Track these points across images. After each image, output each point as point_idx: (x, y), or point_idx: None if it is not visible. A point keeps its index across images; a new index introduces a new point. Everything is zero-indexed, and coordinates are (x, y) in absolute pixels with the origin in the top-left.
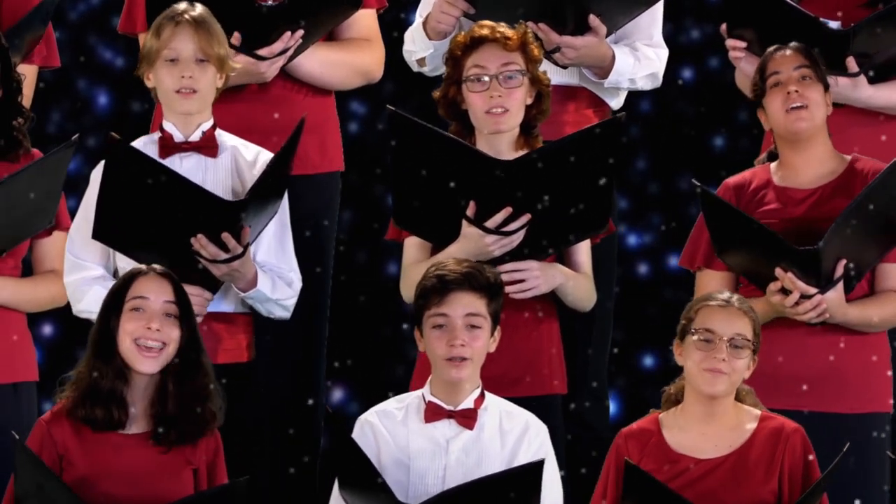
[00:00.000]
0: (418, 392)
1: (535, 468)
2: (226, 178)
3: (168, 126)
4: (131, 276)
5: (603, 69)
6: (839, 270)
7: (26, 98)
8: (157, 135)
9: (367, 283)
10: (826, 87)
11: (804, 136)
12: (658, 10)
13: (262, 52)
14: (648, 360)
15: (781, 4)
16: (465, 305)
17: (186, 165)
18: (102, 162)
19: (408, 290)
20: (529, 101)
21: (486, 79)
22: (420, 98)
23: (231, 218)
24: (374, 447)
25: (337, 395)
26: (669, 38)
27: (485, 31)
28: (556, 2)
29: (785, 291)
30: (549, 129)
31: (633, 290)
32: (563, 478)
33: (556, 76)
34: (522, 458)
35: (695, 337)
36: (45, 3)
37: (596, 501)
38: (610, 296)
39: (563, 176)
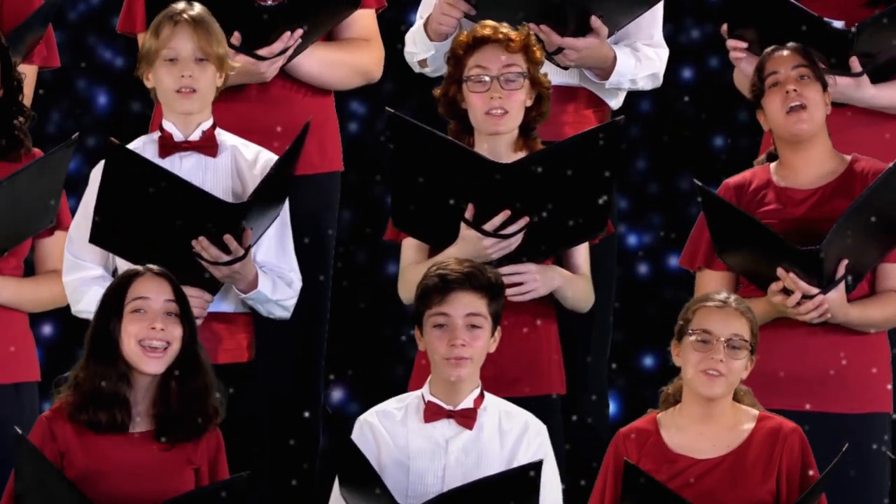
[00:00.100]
0: (418, 392)
1: (535, 469)
2: (226, 178)
3: (168, 125)
4: (128, 278)
5: (604, 70)
6: (840, 271)
7: (26, 98)
8: (156, 134)
9: (367, 284)
10: (825, 87)
11: (804, 138)
12: (658, 10)
13: (261, 52)
14: (648, 361)
15: (784, 4)
16: (466, 305)
17: (186, 165)
18: (102, 161)
19: (406, 292)
20: (529, 103)
21: (487, 79)
22: (420, 98)
23: (233, 220)
24: (374, 448)
25: (337, 395)
26: (669, 38)
27: (487, 32)
28: (558, 3)
29: (786, 292)
30: (548, 129)
31: (633, 291)
32: (562, 478)
33: (556, 77)
34: (522, 459)
35: (692, 338)
36: (46, 5)
37: (594, 501)
38: (610, 296)
39: (562, 179)
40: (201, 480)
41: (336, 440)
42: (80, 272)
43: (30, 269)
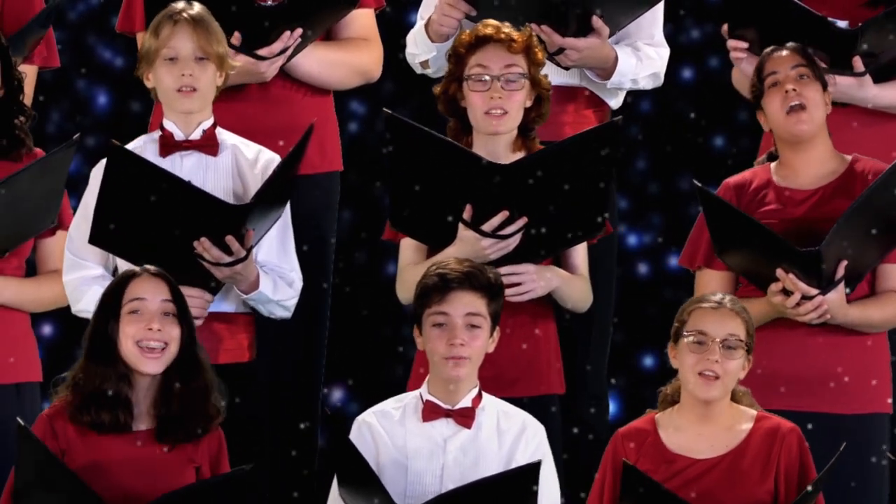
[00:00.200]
0: (416, 392)
1: (533, 470)
2: (226, 177)
3: (168, 125)
4: (125, 279)
5: (606, 70)
6: (840, 271)
7: (27, 97)
8: (157, 133)
9: (367, 284)
10: (825, 87)
11: (804, 138)
12: (659, 10)
13: (261, 52)
14: (648, 361)
15: (788, 4)
16: (466, 305)
17: (187, 164)
18: (102, 161)
19: (404, 292)
20: (529, 104)
21: (488, 79)
22: (420, 98)
23: (235, 222)
24: (372, 448)
25: (337, 395)
26: (669, 38)
27: (490, 31)
28: (558, 3)
29: (786, 292)
30: (548, 129)
31: (633, 290)
32: (561, 478)
33: (556, 77)
34: (520, 459)
35: (687, 339)
36: (48, 7)
37: (592, 502)
38: (610, 296)
39: (561, 179)
40: (202, 479)
41: (335, 441)
42: (80, 271)
43: (31, 269)
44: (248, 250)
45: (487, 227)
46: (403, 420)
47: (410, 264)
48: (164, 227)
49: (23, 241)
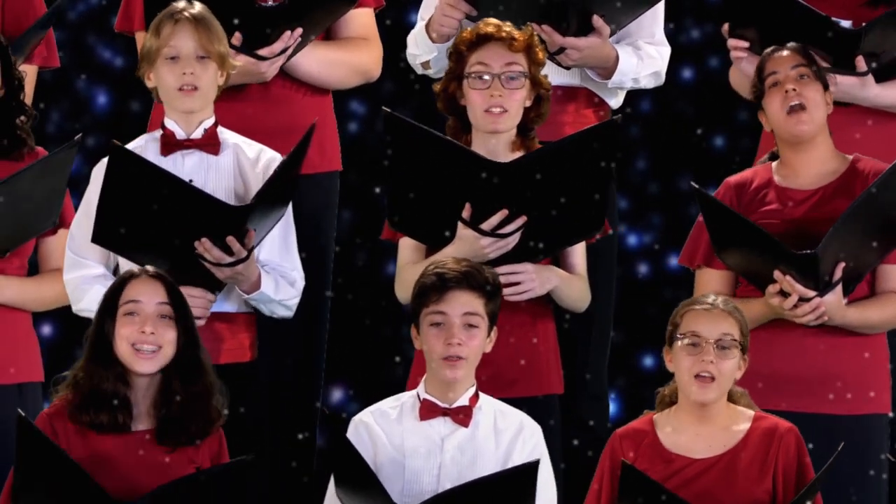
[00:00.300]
0: (413, 391)
1: (530, 469)
2: (228, 176)
3: (170, 124)
4: (123, 280)
5: (607, 70)
6: (838, 273)
7: (27, 97)
8: (158, 132)
9: (367, 284)
10: (825, 87)
11: (805, 138)
12: (659, 8)
13: (262, 51)
14: (648, 361)
15: (791, 3)
16: (464, 304)
17: (188, 163)
18: (104, 159)
19: (402, 291)
20: (528, 104)
21: (488, 77)
22: (420, 98)
23: (236, 222)
24: (370, 447)
25: (336, 395)
26: (669, 38)
27: (491, 29)
28: (559, 3)
29: (784, 294)
30: (548, 129)
31: (633, 290)
32: (561, 478)
33: (556, 76)
34: (517, 459)
35: (682, 342)
36: (51, 9)
37: (590, 502)
38: (610, 296)
39: (560, 178)
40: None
41: (333, 441)
42: (81, 270)
43: (33, 269)
44: (250, 251)
45: (486, 226)
46: (401, 419)
47: (409, 264)
48: (165, 228)
49: (24, 241)
